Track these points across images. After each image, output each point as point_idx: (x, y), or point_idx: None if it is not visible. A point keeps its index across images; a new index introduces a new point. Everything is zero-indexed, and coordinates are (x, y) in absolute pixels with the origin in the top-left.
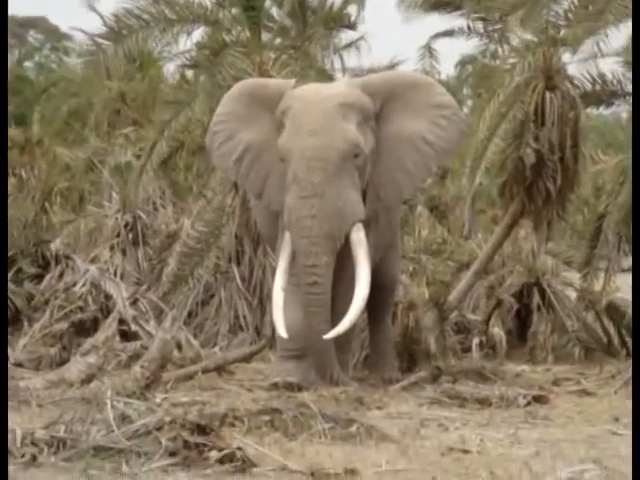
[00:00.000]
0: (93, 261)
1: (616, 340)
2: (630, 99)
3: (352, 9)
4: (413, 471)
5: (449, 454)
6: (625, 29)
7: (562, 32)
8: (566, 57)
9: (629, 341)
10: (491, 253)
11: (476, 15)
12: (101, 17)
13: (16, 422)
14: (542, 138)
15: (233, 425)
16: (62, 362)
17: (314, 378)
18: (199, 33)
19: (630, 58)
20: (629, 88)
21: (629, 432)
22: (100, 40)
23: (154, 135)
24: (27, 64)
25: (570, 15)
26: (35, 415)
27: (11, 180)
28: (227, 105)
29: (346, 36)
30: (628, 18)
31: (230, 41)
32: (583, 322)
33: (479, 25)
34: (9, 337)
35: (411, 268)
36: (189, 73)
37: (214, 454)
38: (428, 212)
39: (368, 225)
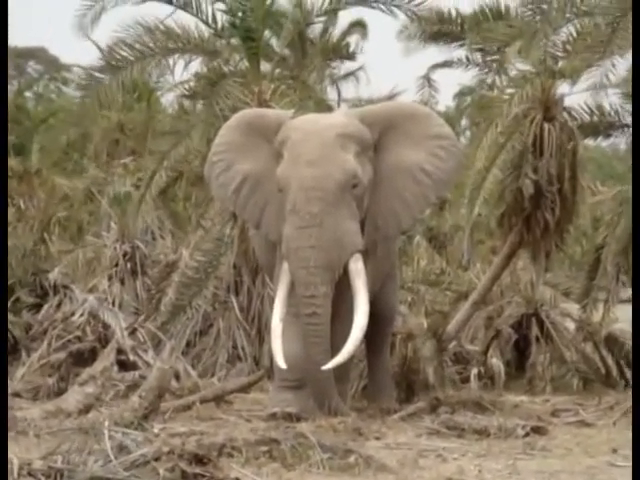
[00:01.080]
0: (91, 291)
1: (615, 371)
2: (628, 130)
3: (352, 39)
4: None
5: None
6: (625, 62)
7: (560, 63)
8: (564, 88)
9: (628, 372)
10: (489, 284)
11: (475, 46)
12: (97, 47)
13: (13, 452)
14: (540, 169)
15: (231, 455)
16: (60, 392)
17: (312, 408)
18: (197, 63)
19: (629, 90)
20: (627, 120)
21: (628, 464)
22: (96, 73)
23: (153, 165)
24: (26, 94)
25: (568, 47)
26: (32, 445)
27: (10, 210)
28: (226, 135)
29: (345, 67)
30: (629, 50)
31: (229, 71)
32: (582, 353)
33: (477, 56)
34: (9, 368)
35: (409, 298)
36: (187, 103)
37: None
38: (426, 242)
39: (366, 255)
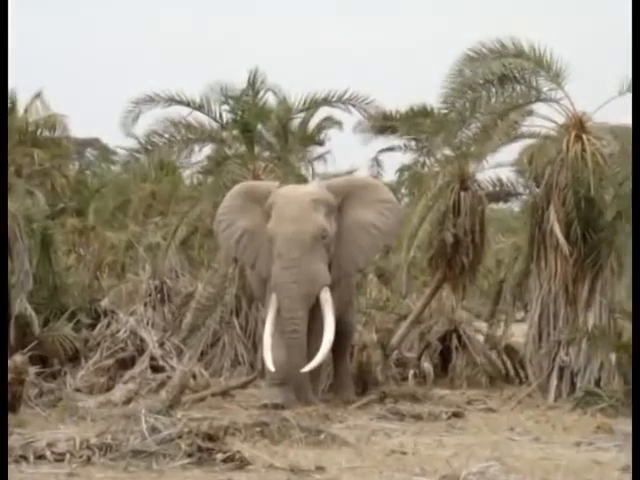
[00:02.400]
0: (132, 314)
1: (512, 371)
2: (521, 197)
3: (322, 131)
4: (365, 468)
5: (392, 455)
6: (516, 147)
7: (471, 149)
8: (475, 166)
9: (521, 372)
10: (422, 308)
11: (410, 136)
12: (136, 138)
13: (76, 432)
14: (458, 225)
15: (234, 434)
16: (109, 388)
17: (293, 400)
18: (208, 149)
19: (520, 168)
20: (519, 189)
21: (522, 438)
22: (135, 154)
23: (176, 222)
24: (86, 172)
25: (476, 137)
26: (89, 427)
27: (72, 255)
28: (229, 201)
29: (317, 150)
30: (515, 140)
31: (231, 154)
32: (488, 358)
33: (413, 143)
34: (71, 370)
35: (364, 319)
36: (201, 177)
37: (220, 456)
38: (376, 278)
39: (332, 288)
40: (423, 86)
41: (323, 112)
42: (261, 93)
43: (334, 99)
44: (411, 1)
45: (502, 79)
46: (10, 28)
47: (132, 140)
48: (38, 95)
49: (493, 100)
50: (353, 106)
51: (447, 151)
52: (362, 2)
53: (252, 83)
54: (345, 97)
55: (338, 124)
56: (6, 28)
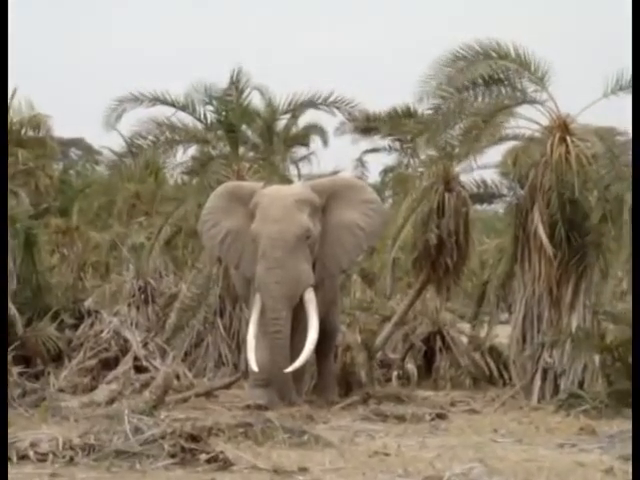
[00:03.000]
0: (115, 315)
1: (496, 373)
2: (505, 198)
3: (307, 131)
4: (348, 469)
5: (375, 456)
6: (501, 148)
7: (456, 150)
8: (459, 168)
9: (505, 373)
10: (406, 309)
11: (394, 137)
12: (122, 137)
13: (59, 432)
14: (442, 226)
15: (217, 435)
16: (92, 388)
17: (277, 401)
18: (193, 149)
19: (504, 170)
20: (504, 191)
21: (505, 440)
22: (120, 156)
23: (160, 222)
24: (70, 172)
25: (461, 138)
26: (72, 427)
27: (55, 255)
28: (213, 201)
29: (301, 151)
30: (500, 142)
31: (215, 155)
32: (472, 360)
33: (397, 144)
34: (54, 370)
35: (347, 320)
36: (186, 178)
37: (203, 456)
38: (360, 279)
39: (316, 288)
40: (406, 88)
41: (308, 114)
42: (245, 93)
43: (319, 101)
44: (393, 5)
45: (487, 81)
46: None
47: (116, 140)
48: (14, 92)
49: (478, 101)
50: (337, 108)
51: (431, 152)
52: (344, 6)
53: (235, 82)
54: (330, 99)
55: (321, 130)
56: (6, 29)
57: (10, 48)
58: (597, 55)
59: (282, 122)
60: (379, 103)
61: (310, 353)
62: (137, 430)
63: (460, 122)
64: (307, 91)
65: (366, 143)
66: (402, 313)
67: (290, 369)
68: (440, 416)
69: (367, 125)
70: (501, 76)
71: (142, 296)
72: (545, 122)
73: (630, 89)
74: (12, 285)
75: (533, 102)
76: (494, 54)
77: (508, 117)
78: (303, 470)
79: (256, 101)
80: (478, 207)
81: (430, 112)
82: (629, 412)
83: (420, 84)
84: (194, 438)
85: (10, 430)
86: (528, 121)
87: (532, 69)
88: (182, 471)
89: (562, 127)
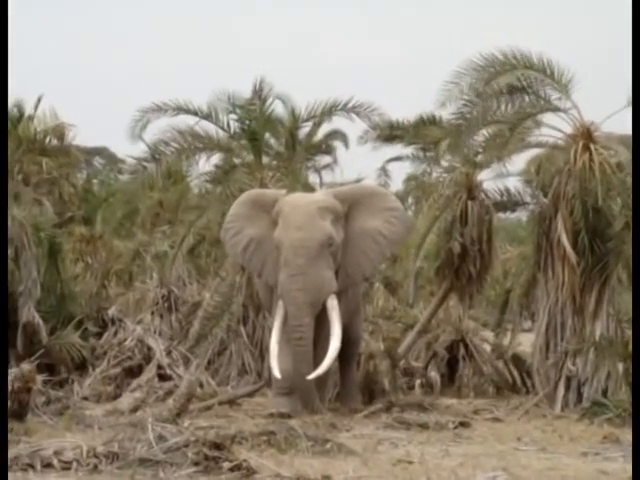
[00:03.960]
0: (139, 323)
1: (519, 381)
2: (528, 206)
3: (330, 140)
4: (372, 477)
5: (398, 464)
6: (524, 156)
7: (479, 157)
8: (483, 176)
9: (528, 381)
10: (429, 318)
11: (417, 146)
12: (147, 145)
13: (83, 440)
14: (465, 234)
15: (240, 443)
16: (116, 396)
17: (300, 409)
18: (216, 158)
19: (527, 178)
20: (527, 198)
21: (529, 448)
22: (143, 163)
23: (183, 231)
24: (93, 181)
25: (484, 144)
26: (96, 435)
27: (79, 264)
28: (236, 209)
29: (324, 160)
30: (523, 150)
31: (238, 163)
32: (495, 368)
33: (420, 152)
34: (78, 379)
35: (370, 328)
36: (209, 186)
37: (226, 464)
38: (383, 287)
39: (339, 296)
40: (427, 95)
41: (331, 121)
42: (268, 102)
43: (340, 108)
44: (411, 10)
45: (511, 89)
46: (17, 36)
47: (140, 149)
48: (38, 102)
49: (502, 110)
50: (357, 114)
51: (455, 160)
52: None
53: (258, 91)
54: (350, 105)
55: (344, 137)
56: (6, 32)
57: (34, 57)
58: (622, 63)
59: (304, 130)
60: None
61: (332, 361)
62: (161, 438)
63: (484, 130)
64: (327, 98)
65: (389, 151)
66: (425, 321)
67: (312, 376)
68: (463, 424)
69: (390, 133)
70: (524, 84)
71: (165, 304)
72: (569, 130)
73: None
74: (36, 294)
75: (557, 110)
76: (517, 62)
77: (533, 125)
78: (326, 478)
79: (278, 109)
80: (501, 215)
81: (453, 120)
82: None
83: (442, 92)
84: (217, 446)
85: (34, 438)
86: (552, 129)
87: (556, 77)
88: (205, 479)
89: (586, 135)
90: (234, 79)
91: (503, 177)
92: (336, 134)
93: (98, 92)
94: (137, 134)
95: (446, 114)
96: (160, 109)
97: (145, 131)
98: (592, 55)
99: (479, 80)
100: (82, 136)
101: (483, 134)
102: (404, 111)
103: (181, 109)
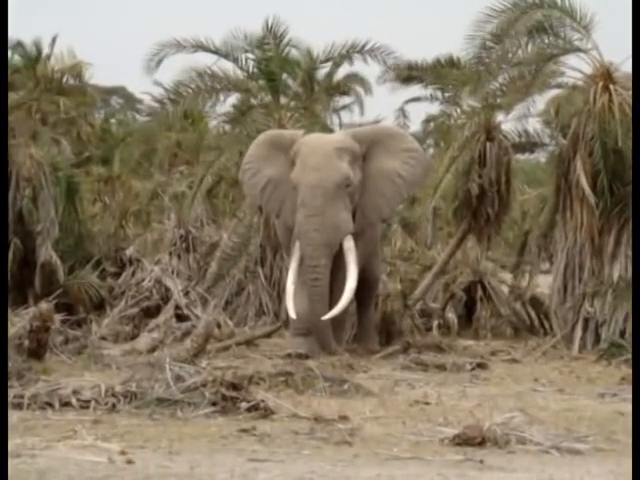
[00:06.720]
0: (157, 263)
1: (537, 322)
2: (547, 147)
3: (350, 82)
4: (389, 417)
5: (415, 405)
6: (543, 97)
7: (498, 100)
8: (501, 117)
9: (546, 323)
10: (447, 259)
11: (436, 87)
12: (162, 87)
13: (101, 379)
14: (484, 176)
15: (258, 384)
16: (134, 337)
17: (317, 349)
18: (233, 98)
19: (546, 119)
20: (545, 140)
21: (546, 389)
22: (161, 102)
23: (201, 172)
24: (111, 120)
25: (504, 88)
26: (114, 375)
27: (97, 204)
28: (254, 149)
29: (342, 100)
30: (548, 89)
31: (257, 104)
32: (513, 309)
33: (439, 94)
34: (96, 318)
35: (388, 269)
36: (227, 127)
37: (244, 405)
38: (401, 229)
39: (356, 237)
40: (447, 37)
41: (352, 64)
42: (284, 42)
43: (357, 50)
44: None
45: (531, 30)
46: None
47: (157, 89)
48: (54, 40)
49: (521, 51)
50: (376, 57)
51: (474, 102)
52: None
53: (273, 31)
54: (368, 47)
55: (362, 80)
56: (6, 25)
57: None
58: None
59: (323, 71)
60: (414, 51)
61: (348, 301)
62: (178, 378)
63: (503, 72)
64: (345, 39)
65: (408, 92)
66: (443, 263)
67: (328, 316)
68: (481, 365)
69: (409, 74)
70: (545, 25)
71: (183, 245)
72: (588, 71)
73: None
74: (54, 233)
75: (577, 51)
76: (541, 3)
77: (555, 66)
78: (343, 418)
79: (294, 50)
80: (520, 156)
81: (473, 62)
82: None
83: (463, 36)
84: (235, 386)
85: (52, 377)
86: (571, 70)
87: (577, 17)
88: (223, 419)
89: (605, 75)
90: (250, 19)
91: (522, 118)
92: (355, 77)
93: (116, 31)
94: (152, 68)
95: (463, 55)
96: (179, 45)
97: (160, 66)
98: None
99: (503, 22)
100: (99, 76)
101: (503, 76)
102: (429, 52)
103: (200, 47)
